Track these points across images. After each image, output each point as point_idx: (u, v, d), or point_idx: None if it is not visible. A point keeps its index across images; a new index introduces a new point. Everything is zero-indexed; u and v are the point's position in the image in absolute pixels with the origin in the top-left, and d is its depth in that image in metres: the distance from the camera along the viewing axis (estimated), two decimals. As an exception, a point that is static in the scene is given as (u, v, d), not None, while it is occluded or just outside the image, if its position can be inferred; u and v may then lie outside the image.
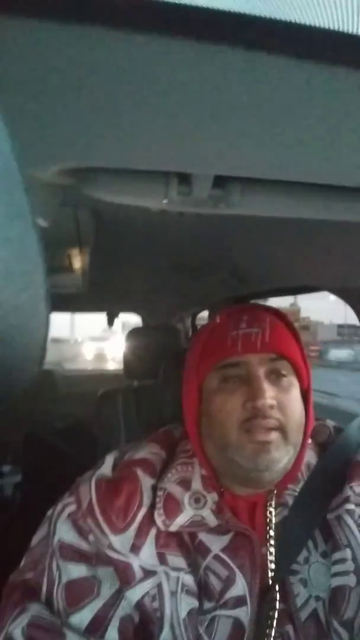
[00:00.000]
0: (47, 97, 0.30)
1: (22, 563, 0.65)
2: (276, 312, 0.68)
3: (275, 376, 0.61)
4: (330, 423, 0.74)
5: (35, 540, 0.67)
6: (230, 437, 0.58)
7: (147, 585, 0.57)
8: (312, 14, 0.24)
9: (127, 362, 1.46)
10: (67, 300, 1.96)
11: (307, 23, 0.24)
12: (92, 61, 0.27)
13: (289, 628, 0.56)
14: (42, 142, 0.36)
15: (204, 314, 2.14)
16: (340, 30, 0.25)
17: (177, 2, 0.24)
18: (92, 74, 0.28)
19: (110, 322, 2.59)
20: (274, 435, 0.57)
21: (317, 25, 0.24)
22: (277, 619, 0.55)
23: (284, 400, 0.59)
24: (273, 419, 0.57)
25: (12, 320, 0.16)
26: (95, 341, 19.40)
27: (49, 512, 0.67)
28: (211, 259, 1.12)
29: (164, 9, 0.24)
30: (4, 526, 1.86)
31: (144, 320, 2.69)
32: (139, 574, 0.57)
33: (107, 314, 2.57)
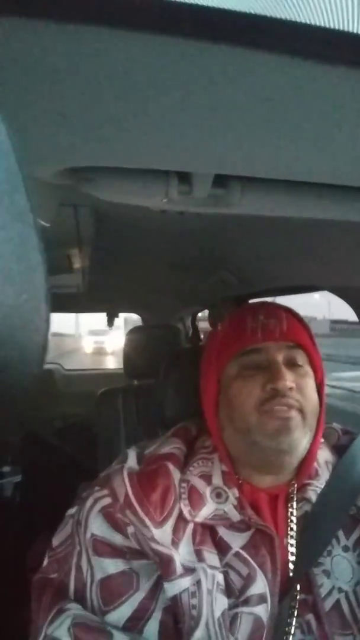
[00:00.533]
0: (46, 96, 0.30)
1: (44, 563, 0.65)
2: (289, 309, 0.71)
3: (292, 364, 0.64)
4: (337, 426, 0.76)
5: (56, 540, 0.66)
6: (250, 417, 0.60)
7: (186, 582, 0.57)
8: (313, 12, 0.24)
9: (127, 361, 1.47)
10: (67, 300, 1.96)
11: (308, 22, 0.24)
12: (92, 61, 0.27)
13: (310, 617, 0.57)
14: (42, 141, 0.36)
15: (204, 313, 2.14)
16: (341, 29, 0.25)
17: (176, 0, 0.24)
18: (91, 74, 0.28)
19: (110, 322, 2.59)
20: (294, 413, 0.60)
21: (317, 24, 0.24)
22: (297, 609, 0.57)
23: (301, 385, 0.62)
24: (292, 399, 0.60)
25: (12, 321, 0.16)
26: (94, 335, 19.38)
27: (72, 511, 0.66)
28: (211, 258, 1.12)
29: (163, 8, 0.24)
30: (4, 526, 1.86)
31: (143, 320, 2.69)
32: (179, 569, 0.57)
33: (107, 314, 2.57)
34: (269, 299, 0.87)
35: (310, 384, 0.63)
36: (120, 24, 0.24)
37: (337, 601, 0.58)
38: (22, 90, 0.29)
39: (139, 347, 1.45)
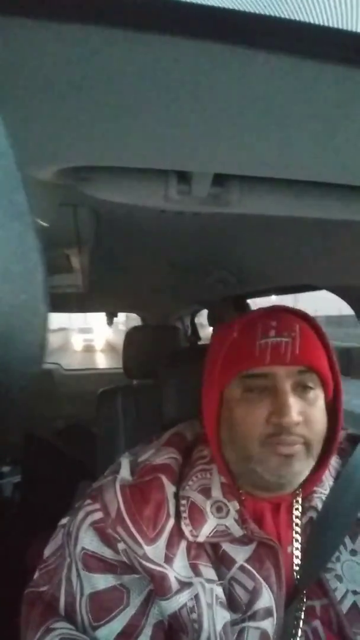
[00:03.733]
0: (46, 96, 0.30)
1: (35, 575, 0.64)
2: (305, 317, 0.65)
3: (301, 389, 0.59)
4: None
5: (48, 551, 0.65)
6: (252, 449, 0.57)
7: (184, 597, 0.56)
8: (313, 12, 0.24)
9: (126, 361, 1.46)
10: (66, 300, 1.96)
11: (307, 21, 0.24)
12: (91, 60, 0.27)
13: (317, 623, 0.56)
14: (41, 141, 0.36)
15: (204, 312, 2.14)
16: (341, 28, 0.25)
17: (176, 0, 0.24)
18: (90, 73, 0.28)
19: (110, 321, 2.59)
20: (298, 448, 0.57)
21: (317, 23, 0.24)
22: (303, 617, 0.56)
23: (309, 415, 0.58)
24: (297, 436, 0.56)
25: (11, 321, 0.16)
26: (83, 333, 19.31)
27: (64, 521, 0.65)
28: (211, 258, 1.12)
29: (163, 8, 0.24)
30: (3, 526, 1.86)
31: (143, 319, 2.69)
32: (175, 585, 0.56)
33: (107, 314, 2.57)
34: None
35: (319, 407, 0.59)
36: (120, 23, 0.24)
37: (354, 603, 0.57)
38: (22, 89, 0.29)
39: (138, 347, 1.45)
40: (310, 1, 0.24)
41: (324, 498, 0.63)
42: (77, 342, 18.97)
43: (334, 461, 0.68)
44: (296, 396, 0.58)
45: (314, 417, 0.58)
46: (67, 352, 16.27)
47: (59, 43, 0.25)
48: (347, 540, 0.61)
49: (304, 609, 0.57)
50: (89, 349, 17.99)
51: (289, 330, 0.60)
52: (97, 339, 18.76)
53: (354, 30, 0.25)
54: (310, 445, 0.57)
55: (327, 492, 0.64)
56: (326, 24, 0.24)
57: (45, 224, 0.52)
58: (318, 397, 0.60)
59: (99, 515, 0.60)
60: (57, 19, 0.24)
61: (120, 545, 0.58)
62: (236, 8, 0.24)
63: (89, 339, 18.94)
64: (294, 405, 0.56)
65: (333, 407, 0.62)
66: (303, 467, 0.58)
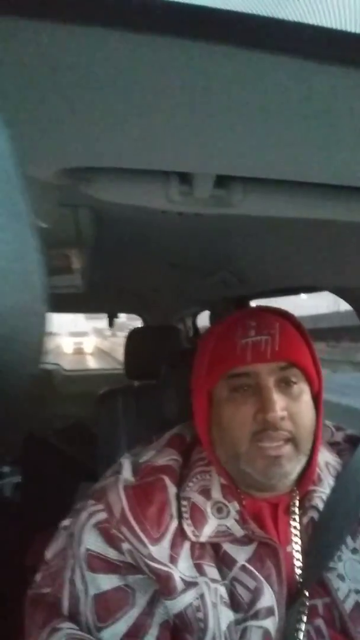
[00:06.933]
0: (46, 97, 0.30)
1: (38, 577, 0.64)
2: (285, 315, 0.66)
3: (285, 384, 0.60)
4: (328, 423, 0.75)
5: (50, 553, 0.64)
6: (241, 448, 0.58)
7: (189, 597, 0.55)
8: (313, 13, 0.24)
9: (128, 362, 1.46)
10: (67, 301, 1.96)
11: (308, 22, 0.24)
12: (92, 61, 0.27)
13: (320, 622, 0.56)
14: (41, 142, 0.36)
15: (205, 313, 2.14)
16: (341, 29, 0.25)
17: (176, 1, 0.24)
18: (91, 74, 0.28)
19: (111, 322, 2.59)
20: (286, 449, 0.57)
21: (317, 24, 0.24)
22: (306, 616, 0.56)
23: (294, 409, 0.59)
24: (284, 431, 0.57)
25: (9, 321, 0.16)
26: (74, 337, 20.04)
27: (65, 523, 0.65)
28: (211, 258, 1.12)
29: (164, 9, 0.24)
30: (3, 526, 1.86)
31: (144, 320, 2.69)
32: (180, 585, 0.56)
33: (107, 315, 2.57)
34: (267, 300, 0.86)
35: (304, 401, 0.60)
36: (121, 24, 0.24)
37: (357, 603, 0.57)
38: (22, 90, 0.29)
39: (139, 348, 1.45)
40: (310, 2, 0.24)
41: (324, 498, 0.63)
42: (68, 345, 19.72)
43: (333, 461, 0.68)
44: (280, 392, 0.59)
45: (299, 412, 0.59)
46: (58, 355, 16.61)
47: (59, 44, 0.25)
48: (348, 539, 0.61)
49: (306, 611, 0.56)
50: (79, 352, 18.67)
51: (268, 328, 0.61)
52: (87, 343, 19.59)
53: (353, 31, 0.25)
54: (297, 442, 0.58)
55: (327, 491, 0.64)
56: (326, 25, 0.24)
57: (45, 225, 0.52)
58: (303, 392, 0.61)
59: (103, 515, 0.60)
60: (58, 20, 0.24)
61: (125, 546, 0.58)
62: (236, 9, 0.24)
63: (79, 342, 19.69)
64: (278, 400, 0.57)
65: (316, 401, 0.63)
66: (293, 466, 0.58)
